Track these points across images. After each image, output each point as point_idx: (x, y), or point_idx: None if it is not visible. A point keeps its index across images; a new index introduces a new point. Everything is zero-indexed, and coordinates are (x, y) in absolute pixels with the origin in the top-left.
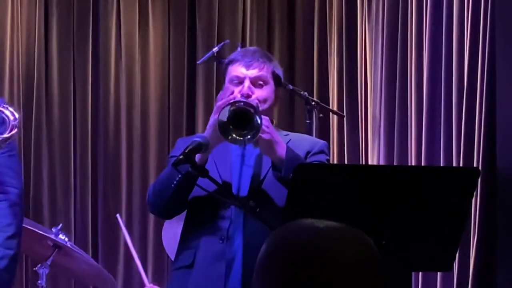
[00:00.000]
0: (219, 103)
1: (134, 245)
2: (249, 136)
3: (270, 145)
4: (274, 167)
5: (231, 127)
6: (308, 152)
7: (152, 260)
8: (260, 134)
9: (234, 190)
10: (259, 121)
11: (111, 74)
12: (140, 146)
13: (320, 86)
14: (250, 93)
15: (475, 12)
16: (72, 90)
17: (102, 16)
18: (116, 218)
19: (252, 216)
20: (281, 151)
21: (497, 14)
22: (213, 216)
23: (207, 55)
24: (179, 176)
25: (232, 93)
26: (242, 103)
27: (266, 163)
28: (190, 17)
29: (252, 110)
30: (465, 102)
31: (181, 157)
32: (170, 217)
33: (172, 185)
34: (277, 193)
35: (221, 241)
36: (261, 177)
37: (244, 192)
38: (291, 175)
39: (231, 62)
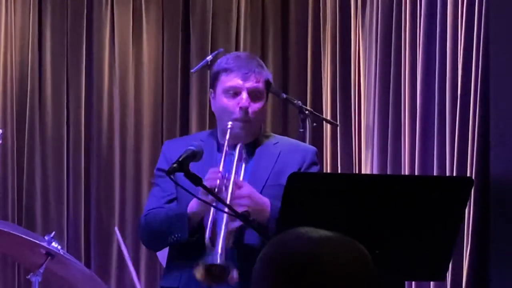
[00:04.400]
0: (209, 179)
1: (130, 258)
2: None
3: (253, 215)
4: (259, 226)
5: None
6: (299, 168)
7: (145, 268)
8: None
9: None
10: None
11: (104, 82)
12: (134, 154)
13: (313, 95)
14: (248, 105)
15: (469, 19)
16: (66, 97)
17: (96, 24)
18: (115, 231)
19: (247, 225)
20: (265, 214)
21: (491, 22)
22: (200, 240)
23: (201, 63)
24: (177, 235)
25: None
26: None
27: (260, 181)
28: (184, 25)
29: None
30: (458, 110)
31: (175, 165)
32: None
33: (169, 239)
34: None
35: None
36: None
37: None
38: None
39: (226, 71)
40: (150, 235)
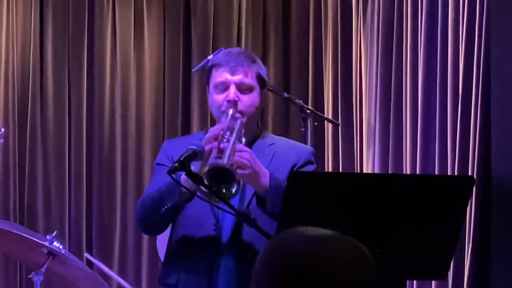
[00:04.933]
0: (208, 135)
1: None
2: (224, 191)
3: (252, 178)
4: (259, 199)
5: (211, 183)
6: (294, 165)
7: (147, 268)
8: (242, 172)
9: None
10: (234, 190)
11: (106, 81)
12: (135, 154)
13: (315, 94)
14: (236, 99)
15: (470, 19)
16: (67, 97)
17: (97, 24)
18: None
19: (249, 225)
20: (265, 181)
21: (492, 21)
22: (199, 239)
23: (202, 62)
24: (169, 205)
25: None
26: (213, 166)
27: (250, 188)
28: (185, 25)
29: (231, 172)
30: (460, 110)
31: (176, 164)
32: (156, 234)
33: (162, 210)
34: (262, 221)
35: (206, 265)
36: (245, 205)
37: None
38: (275, 206)
39: (215, 66)
40: (144, 210)
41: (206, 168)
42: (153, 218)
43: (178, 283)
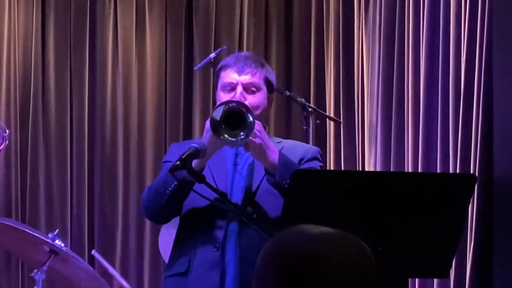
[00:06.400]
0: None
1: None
2: (241, 137)
3: (261, 150)
4: (267, 172)
5: (223, 126)
6: (301, 159)
7: (149, 266)
8: (251, 138)
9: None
10: (251, 119)
11: (108, 80)
12: (137, 152)
13: (317, 92)
14: (242, 99)
15: (472, 18)
16: (69, 96)
17: (99, 23)
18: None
19: (249, 223)
20: (273, 156)
21: (495, 21)
22: (208, 225)
23: (204, 61)
24: (174, 183)
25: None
26: (235, 104)
27: (258, 173)
28: (187, 23)
29: (244, 110)
30: (462, 108)
31: (178, 162)
32: (163, 222)
33: (167, 192)
34: (270, 205)
35: (216, 250)
36: (254, 189)
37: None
38: (284, 180)
39: (223, 67)
40: (151, 194)
41: (227, 106)
42: (160, 200)
43: (188, 268)
